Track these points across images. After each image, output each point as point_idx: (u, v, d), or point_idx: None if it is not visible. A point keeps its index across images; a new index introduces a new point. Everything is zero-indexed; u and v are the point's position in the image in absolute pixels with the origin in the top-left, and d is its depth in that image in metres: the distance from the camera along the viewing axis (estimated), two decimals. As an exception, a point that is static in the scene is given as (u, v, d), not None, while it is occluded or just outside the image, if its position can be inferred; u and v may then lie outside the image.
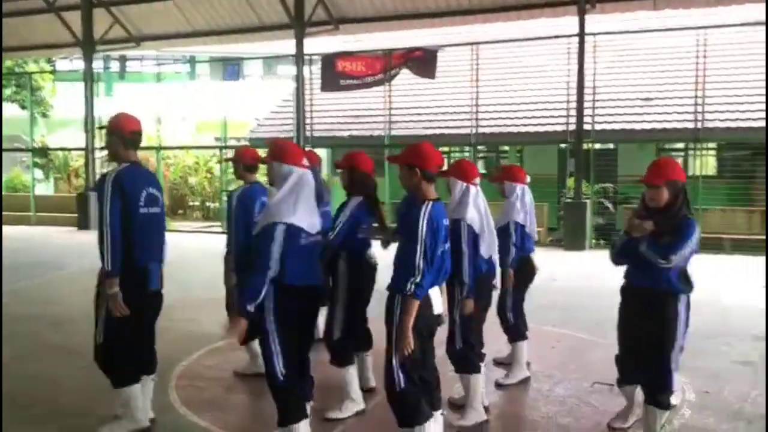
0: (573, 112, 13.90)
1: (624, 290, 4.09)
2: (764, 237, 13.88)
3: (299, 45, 15.90)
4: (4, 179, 20.69)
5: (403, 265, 3.34)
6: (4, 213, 16.69)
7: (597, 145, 15.09)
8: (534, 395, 5.03)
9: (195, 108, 25.38)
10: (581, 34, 13.43)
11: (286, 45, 18.94)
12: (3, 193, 19.62)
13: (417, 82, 16.39)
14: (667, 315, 3.83)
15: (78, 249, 13.40)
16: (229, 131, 21.74)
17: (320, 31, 16.46)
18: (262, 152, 4.65)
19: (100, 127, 4.28)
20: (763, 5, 14.52)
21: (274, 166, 3.57)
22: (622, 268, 4.12)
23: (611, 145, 17.39)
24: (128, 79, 30.83)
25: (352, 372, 4.58)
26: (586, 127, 13.84)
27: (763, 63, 15.86)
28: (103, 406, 4.43)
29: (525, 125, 16.15)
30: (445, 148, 19.21)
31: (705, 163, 17.78)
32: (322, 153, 18.73)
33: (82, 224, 16.62)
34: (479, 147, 16.60)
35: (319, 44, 18.72)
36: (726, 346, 6.44)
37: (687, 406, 4.77)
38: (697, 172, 14.64)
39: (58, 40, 18.36)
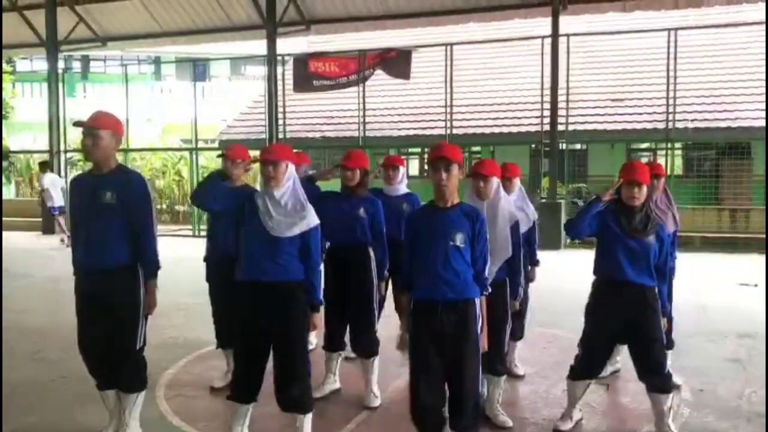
0: (546, 113, 13.99)
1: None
2: (735, 234, 14.17)
3: (271, 45, 15.72)
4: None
5: (484, 267, 3.48)
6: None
7: (570, 146, 15.22)
8: (532, 397, 4.99)
9: (161, 109, 24.96)
10: (554, 35, 13.52)
11: (253, 45, 18.75)
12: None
13: (391, 83, 16.33)
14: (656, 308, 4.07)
15: (45, 255, 13.04)
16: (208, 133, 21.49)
17: (292, 32, 16.31)
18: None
19: (76, 124, 3.79)
20: (730, 8, 14.81)
21: (286, 166, 3.64)
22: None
23: (579, 146, 17.58)
24: (91, 79, 30.18)
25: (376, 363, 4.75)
26: (560, 127, 13.94)
27: (731, 65, 16.24)
28: (83, 417, 4.29)
29: (499, 126, 16.21)
30: (417, 149, 19.25)
31: (673, 162, 18.09)
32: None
33: (48, 229, 16.15)
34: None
35: (288, 45, 18.56)
36: (710, 344, 6.50)
37: (685, 404, 4.77)
38: (667, 172, 14.86)
39: (21, 39, 17.86)
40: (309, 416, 3.73)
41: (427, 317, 3.39)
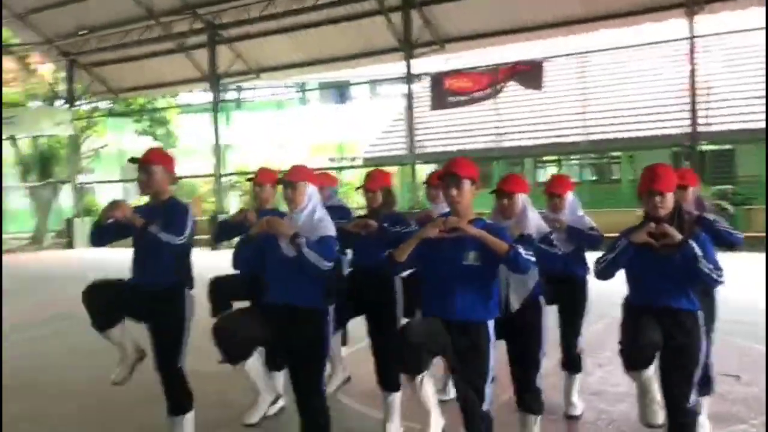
0: (686, 114, 13.82)
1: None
2: None
3: (409, 66, 16.63)
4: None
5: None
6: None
7: (713, 146, 14.87)
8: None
9: (308, 132, 26.74)
10: (691, 37, 13.39)
11: (388, 67, 19.77)
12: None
13: (523, 94, 16.71)
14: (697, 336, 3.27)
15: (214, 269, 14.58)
16: (343, 152, 22.89)
17: (427, 52, 17.14)
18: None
19: (132, 160, 4.10)
20: None
21: (304, 186, 3.64)
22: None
23: (727, 146, 17.02)
24: (244, 107, 32.70)
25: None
26: (700, 129, 13.72)
27: None
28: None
29: (636, 130, 16.12)
30: (553, 157, 19.42)
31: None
32: (431, 168, 19.42)
33: (213, 245, 18.01)
34: (588, 154, 16.75)
35: (423, 64, 19.44)
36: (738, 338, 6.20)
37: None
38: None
39: (186, 76, 20.08)
40: None
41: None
